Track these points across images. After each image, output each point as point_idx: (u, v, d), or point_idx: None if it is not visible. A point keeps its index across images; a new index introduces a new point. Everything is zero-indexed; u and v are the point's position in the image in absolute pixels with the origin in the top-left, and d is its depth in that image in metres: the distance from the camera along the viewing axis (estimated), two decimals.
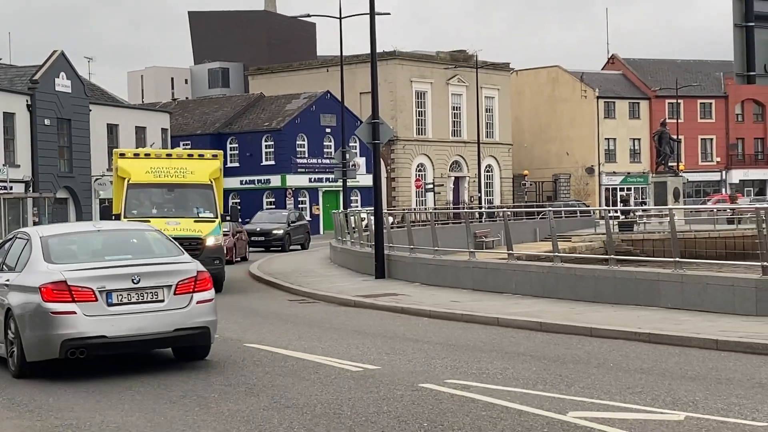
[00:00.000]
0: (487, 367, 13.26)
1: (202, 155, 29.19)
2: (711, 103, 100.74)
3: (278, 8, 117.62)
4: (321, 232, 72.13)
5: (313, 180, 78.08)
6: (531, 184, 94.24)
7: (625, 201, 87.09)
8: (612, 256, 21.53)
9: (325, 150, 77.42)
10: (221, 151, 31.24)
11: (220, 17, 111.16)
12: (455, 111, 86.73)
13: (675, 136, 68.21)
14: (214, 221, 26.75)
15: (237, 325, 18.75)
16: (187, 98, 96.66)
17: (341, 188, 55.21)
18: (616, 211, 57.57)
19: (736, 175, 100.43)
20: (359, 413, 10.37)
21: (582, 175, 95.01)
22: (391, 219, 42.25)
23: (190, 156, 29.02)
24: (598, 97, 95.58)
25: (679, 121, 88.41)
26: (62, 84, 57.07)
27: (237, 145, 79.33)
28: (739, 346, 14.35)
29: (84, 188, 58.93)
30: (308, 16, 58.00)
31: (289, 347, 15.57)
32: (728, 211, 54.24)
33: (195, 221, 26.47)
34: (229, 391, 11.89)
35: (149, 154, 29.23)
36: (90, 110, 59.71)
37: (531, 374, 12.57)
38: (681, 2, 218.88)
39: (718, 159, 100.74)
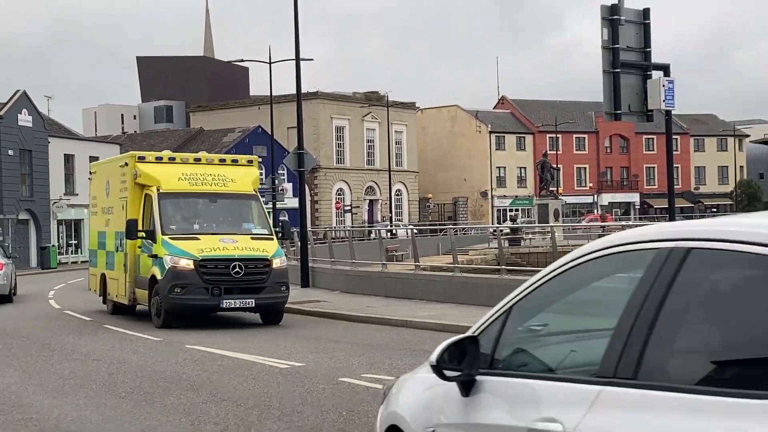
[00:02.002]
0: (397, 362, 13.25)
1: (236, 161, 21.62)
2: (584, 138, 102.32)
3: (216, 54, 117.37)
4: None
5: None
6: (434, 206, 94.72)
7: (513, 220, 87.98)
8: (503, 266, 21.72)
9: None
10: (256, 157, 22.88)
11: (165, 61, 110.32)
12: (369, 143, 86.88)
13: (555, 165, 69.12)
14: (272, 238, 19.94)
15: (179, 328, 18.49)
16: (135, 132, 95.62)
17: (271, 210, 54.95)
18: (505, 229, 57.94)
19: (606, 198, 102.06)
20: (287, 405, 10.29)
21: (477, 198, 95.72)
22: (313, 236, 42.08)
23: (223, 161, 21.51)
24: (490, 132, 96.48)
25: (558, 152, 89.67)
26: (24, 119, 56.17)
27: None
28: None
29: (43, 211, 57.92)
30: (242, 61, 57.60)
31: (225, 348, 15.40)
32: (600, 228, 55.05)
33: (252, 239, 19.54)
34: (172, 387, 11.71)
35: (174, 158, 20.97)
36: (49, 142, 58.77)
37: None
38: (559, 52, 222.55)
39: (591, 184, 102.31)
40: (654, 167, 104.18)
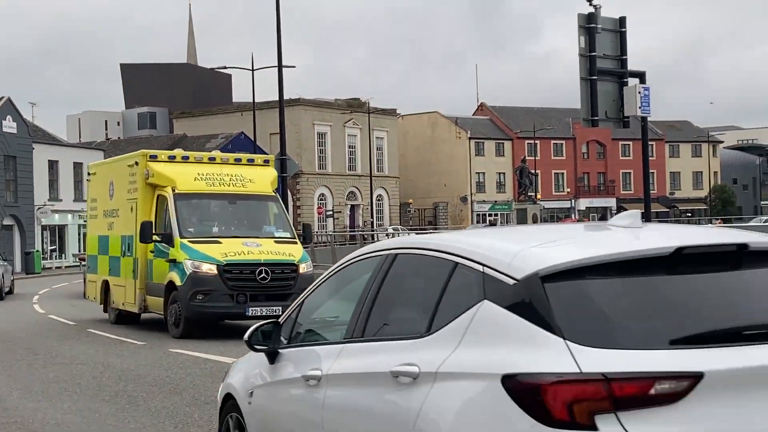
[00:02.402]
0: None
1: (252, 160, 20.52)
2: (562, 144, 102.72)
3: (199, 61, 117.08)
4: None
5: None
6: (415, 211, 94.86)
7: (492, 224, 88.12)
8: None
9: None
10: (272, 156, 22.46)
11: (149, 68, 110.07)
12: (351, 149, 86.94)
13: (533, 171, 69.28)
14: (296, 242, 18.77)
15: (165, 332, 18.41)
16: (119, 138, 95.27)
17: None
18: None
19: (583, 203, 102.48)
20: None
21: (457, 203, 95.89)
22: None
23: (238, 161, 20.08)
24: (470, 138, 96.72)
25: (536, 158, 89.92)
26: (8, 126, 55.92)
27: None
28: None
29: (27, 216, 57.61)
30: (225, 68, 57.53)
31: (209, 352, 15.33)
32: None
33: (276, 242, 18.19)
34: (156, 390, 11.65)
35: (188, 157, 19.54)
36: (33, 148, 58.54)
37: None
38: (538, 60, 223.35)
39: (568, 190, 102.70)
40: (630, 173, 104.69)
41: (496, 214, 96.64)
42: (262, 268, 17.10)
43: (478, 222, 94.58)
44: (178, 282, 17.18)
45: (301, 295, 5.99)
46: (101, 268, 21.27)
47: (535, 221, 55.72)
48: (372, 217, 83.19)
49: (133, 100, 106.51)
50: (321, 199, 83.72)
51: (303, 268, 17.71)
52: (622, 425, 3.49)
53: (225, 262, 17.05)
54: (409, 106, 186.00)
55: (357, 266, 5.49)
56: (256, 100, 54.01)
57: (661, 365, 3.57)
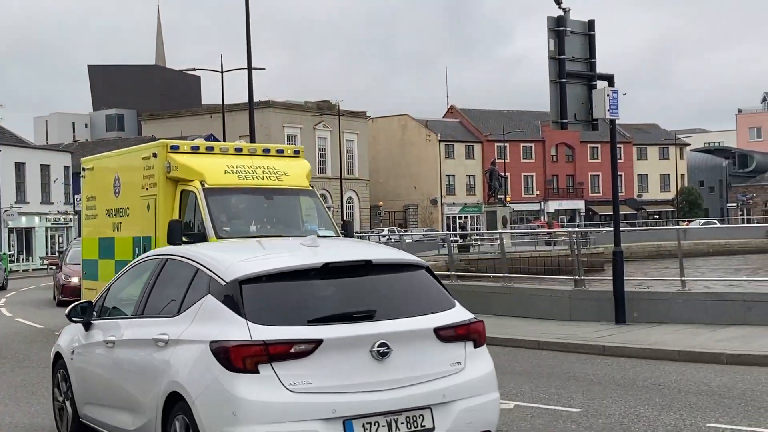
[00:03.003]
0: None
1: (282, 151, 17.81)
2: (531, 146, 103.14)
3: (167, 63, 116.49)
4: None
5: None
6: (385, 213, 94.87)
7: (462, 227, 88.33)
8: (453, 272, 21.81)
9: None
10: (302, 147, 19.62)
11: (116, 70, 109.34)
12: (321, 151, 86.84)
13: (503, 173, 69.54)
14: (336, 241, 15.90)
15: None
16: (87, 140, 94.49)
17: None
18: (455, 236, 58.19)
19: (552, 205, 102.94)
20: None
21: (427, 206, 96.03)
22: None
23: (267, 151, 17.47)
24: (440, 141, 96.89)
25: (506, 160, 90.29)
26: None
27: None
28: (556, 345, 14.71)
29: None
30: (194, 69, 57.25)
31: None
32: (546, 235, 55.50)
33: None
34: None
35: (213, 148, 17.12)
36: (0, 150, 57.89)
37: None
38: (508, 63, 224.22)
39: (538, 192, 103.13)
40: (599, 175, 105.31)
41: (466, 217, 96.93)
42: None
43: (448, 225, 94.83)
44: None
45: (108, 282, 8.89)
46: (104, 273, 18.46)
47: (504, 224, 55.99)
48: (342, 219, 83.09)
49: (101, 102, 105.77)
50: None
51: None
52: (273, 370, 6.19)
53: None
54: (380, 108, 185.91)
55: (145, 264, 8.20)
56: (225, 102, 53.78)
57: (298, 335, 6.24)
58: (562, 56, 16.41)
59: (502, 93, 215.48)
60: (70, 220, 67.41)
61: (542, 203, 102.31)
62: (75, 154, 76.87)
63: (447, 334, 6.69)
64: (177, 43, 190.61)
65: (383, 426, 6.30)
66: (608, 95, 16.46)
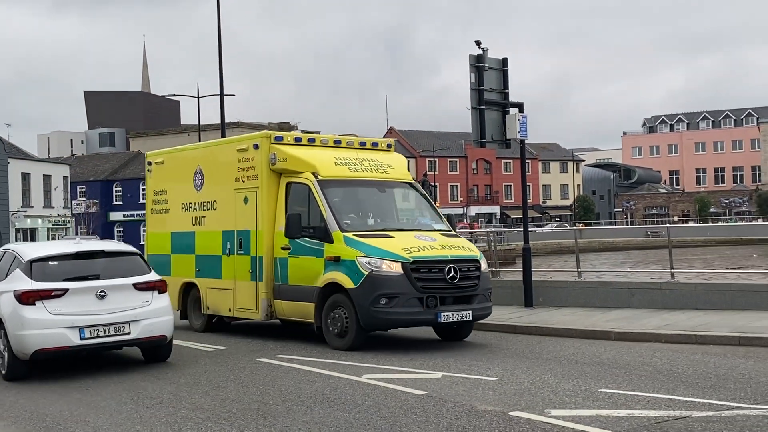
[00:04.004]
0: (305, 346, 13.15)
1: (376, 144, 14.96)
2: (456, 161, 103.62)
3: (152, 89, 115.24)
4: None
5: None
6: None
7: None
8: None
9: None
10: (394, 140, 15.98)
11: (108, 95, 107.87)
12: None
13: (433, 183, 69.75)
14: (458, 236, 13.81)
15: None
16: (82, 154, 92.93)
17: None
18: None
19: (473, 210, 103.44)
20: (212, 381, 10.12)
21: None
22: None
23: (363, 144, 14.67)
24: None
25: (436, 173, 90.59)
26: None
27: (121, 189, 76.85)
28: (477, 325, 14.00)
29: (3, 221, 55.78)
30: (174, 95, 56.47)
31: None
32: (469, 234, 55.68)
33: (443, 235, 13.21)
34: (114, 368, 11.37)
35: (314, 140, 14.18)
36: (8, 162, 56.72)
37: (336, 351, 12.50)
38: (437, 92, 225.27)
39: (461, 199, 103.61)
40: (511, 185, 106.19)
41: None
42: (451, 266, 12.27)
43: None
44: (348, 284, 12.11)
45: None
46: (178, 268, 15.94)
47: None
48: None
49: (95, 122, 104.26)
50: None
51: (483, 266, 12.88)
52: (43, 304, 10.40)
53: (411, 260, 12.04)
54: (331, 129, 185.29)
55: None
56: (201, 123, 53.28)
57: (55, 286, 10.53)
58: (482, 87, 16.51)
59: (432, 117, 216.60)
60: (68, 221, 66.85)
61: (465, 208, 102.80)
62: (73, 166, 75.71)
63: (140, 287, 11.08)
64: (160, 72, 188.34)
65: (101, 331, 10.62)
66: (519, 119, 16.64)
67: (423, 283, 12.05)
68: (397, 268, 12.00)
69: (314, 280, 12.70)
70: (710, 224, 75.60)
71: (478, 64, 16.55)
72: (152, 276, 11.39)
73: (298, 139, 14.03)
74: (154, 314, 11.05)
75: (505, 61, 17.11)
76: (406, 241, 12.45)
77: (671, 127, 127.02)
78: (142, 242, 57.27)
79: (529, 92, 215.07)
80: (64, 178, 67.15)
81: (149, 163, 17.32)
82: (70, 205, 66.79)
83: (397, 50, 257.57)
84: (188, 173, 15.87)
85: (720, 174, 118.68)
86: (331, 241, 12.54)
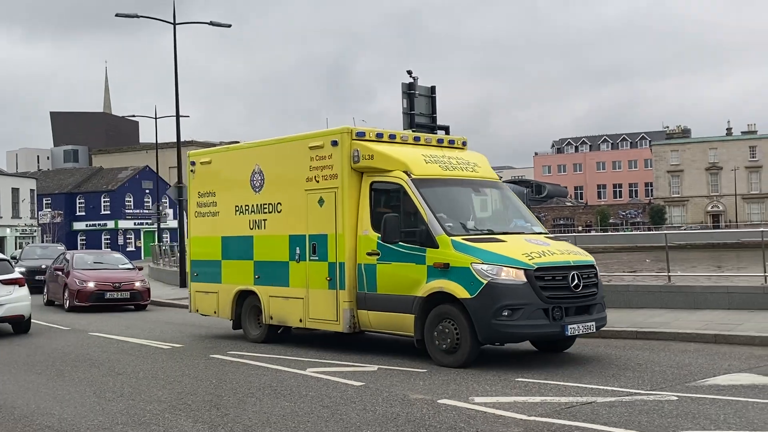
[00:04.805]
0: (254, 344, 12.97)
1: (453, 142, 12.37)
2: None
3: (114, 110, 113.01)
4: (142, 258, 69.24)
5: (137, 224, 74.88)
6: None
7: None
8: None
9: (145, 204, 74.57)
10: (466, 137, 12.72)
11: (73, 115, 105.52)
12: None
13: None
14: (558, 239, 11.64)
15: (84, 319, 17.53)
16: (48, 169, 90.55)
17: (156, 229, 53.10)
18: None
19: None
20: (169, 376, 9.90)
21: None
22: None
23: (440, 142, 12.20)
24: None
25: None
26: None
27: (84, 201, 75.21)
28: None
29: None
30: (133, 116, 55.42)
31: (121, 334, 14.71)
32: None
33: (548, 238, 11.08)
34: (79, 365, 11.06)
35: (395, 136, 11.74)
36: None
37: (283, 348, 12.41)
38: (373, 117, 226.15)
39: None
40: None
41: None
42: (575, 272, 10.12)
43: None
44: (461, 294, 9.79)
45: None
46: (230, 275, 13.38)
47: None
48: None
49: (60, 140, 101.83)
50: None
51: (598, 272, 10.77)
52: None
53: (535, 266, 9.80)
54: None
55: None
56: (159, 141, 52.41)
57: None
58: (413, 111, 16.60)
59: None
60: (35, 231, 65.08)
61: None
62: (39, 179, 73.76)
63: (6, 282, 14.76)
64: (124, 96, 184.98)
65: None
66: None
67: (548, 292, 9.80)
68: (519, 276, 9.69)
69: (413, 289, 10.33)
70: (610, 233, 77.43)
71: (409, 91, 16.65)
72: (15, 275, 15.18)
73: (379, 135, 11.52)
74: (15, 300, 14.85)
75: (433, 88, 17.25)
76: (522, 246, 10.19)
77: (576, 149, 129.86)
78: (104, 248, 56.16)
79: (454, 117, 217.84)
80: (31, 191, 65.52)
81: (192, 163, 14.40)
82: (36, 216, 65.36)
83: (338, 78, 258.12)
84: (243, 173, 13.09)
85: (618, 189, 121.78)
86: (436, 246, 10.13)
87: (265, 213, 12.71)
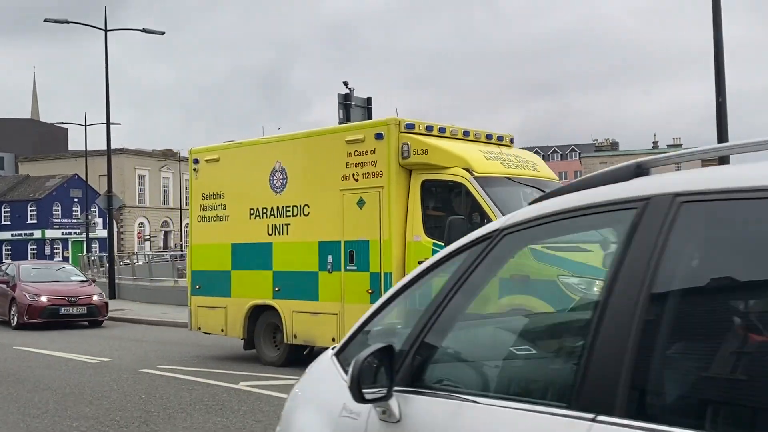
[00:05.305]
0: (185, 357, 12.77)
1: (501, 138, 11.05)
2: None
3: (42, 117, 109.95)
4: None
5: (65, 233, 72.83)
6: None
7: None
8: None
9: (73, 213, 72.60)
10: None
11: None
12: (165, 188, 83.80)
13: None
14: None
15: (7, 333, 16.92)
16: None
17: (85, 239, 51.79)
18: None
19: None
20: (97, 391, 9.64)
21: None
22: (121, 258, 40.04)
23: (489, 138, 10.86)
24: None
25: None
26: None
27: (9, 210, 72.86)
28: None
29: None
30: (62, 123, 54.13)
31: (47, 348, 14.24)
32: None
33: None
34: (2, 380, 10.65)
35: (444, 129, 10.40)
36: None
37: (215, 361, 12.24)
38: (310, 125, 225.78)
39: None
40: None
41: None
42: None
43: None
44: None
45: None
46: (242, 287, 11.77)
47: None
48: (181, 241, 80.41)
49: None
50: (140, 227, 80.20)
51: None
52: None
53: None
54: None
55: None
56: (88, 149, 51.14)
57: None
58: (349, 122, 16.67)
59: None
60: None
61: None
62: None
63: None
64: (53, 102, 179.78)
65: None
66: None
67: None
68: None
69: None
70: None
71: (345, 101, 16.71)
72: None
73: (429, 128, 10.13)
74: None
75: (369, 99, 17.36)
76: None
77: None
78: (29, 258, 54.27)
79: None
80: None
81: (196, 161, 12.65)
82: None
83: (273, 87, 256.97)
84: (261, 171, 11.40)
85: None
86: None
87: (288, 216, 11.09)
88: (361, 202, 10.11)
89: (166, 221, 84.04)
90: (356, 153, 10.19)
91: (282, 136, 11.60)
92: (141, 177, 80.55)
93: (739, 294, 1.73)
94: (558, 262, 7.84)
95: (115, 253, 30.17)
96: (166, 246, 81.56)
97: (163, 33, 28.00)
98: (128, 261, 39.91)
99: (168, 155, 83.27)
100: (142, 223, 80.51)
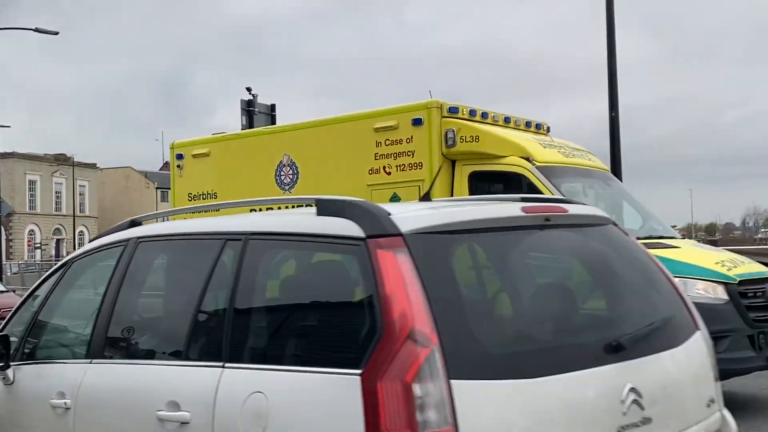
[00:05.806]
0: None
1: (540, 126, 9.45)
2: None
3: None
4: None
5: None
6: None
7: None
8: None
9: None
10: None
11: None
12: (57, 194, 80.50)
13: None
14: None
15: None
16: None
17: None
18: None
19: None
20: None
21: None
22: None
23: (528, 125, 9.25)
24: (156, 188, 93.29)
25: None
26: None
27: None
28: None
29: None
30: None
31: None
32: None
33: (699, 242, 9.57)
34: None
35: (487, 115, 8.76)
36: None
37: None
38: (213, 130, 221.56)
39: None
40: None
41: None
42: None
43: None
44: None
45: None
46: None
47: None
48: (74, 248, 77.38)
49: None
50: (31, 234, 76.62)
51: None
52: None
53: (737, 278, 7.18)
54: (109, 161, 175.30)
55: None
56: None
57: None
58: (252, 128, 16.50)
59: None
60: None
61: None
62: None
63: None
64: None
65: None
66: None
67: (753, 313, 7.10)
68: (720, 293, 7.04)
69: None
70: None
71: (248, 108, 16.52)
72: None
73: (473, 113, 8.69)
74: None
75: (273, 106, 17.22)
76: (704, 252, 7.67)
77: None
78: None
79: None
80: None
81: (179, 157, 11.02)
82: None
83: (174, 92, 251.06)
84: (265, 166, 9.76)
85: None
86: None
87: None
88: (395, 198, 8.54)
89: (58, 228, 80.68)
90: (388, 142, 8.75)
91: (291, 125, 9.95)
92: (32, 182, 77.08)
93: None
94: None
95: (3, 262, 28.73)
96: (58, 254, 78.30)
97: (56, 33, 26.89)
98: (18, 270, 38.16)
99: (61, 160, 80.00)
100: (32, 231, 77.01)
